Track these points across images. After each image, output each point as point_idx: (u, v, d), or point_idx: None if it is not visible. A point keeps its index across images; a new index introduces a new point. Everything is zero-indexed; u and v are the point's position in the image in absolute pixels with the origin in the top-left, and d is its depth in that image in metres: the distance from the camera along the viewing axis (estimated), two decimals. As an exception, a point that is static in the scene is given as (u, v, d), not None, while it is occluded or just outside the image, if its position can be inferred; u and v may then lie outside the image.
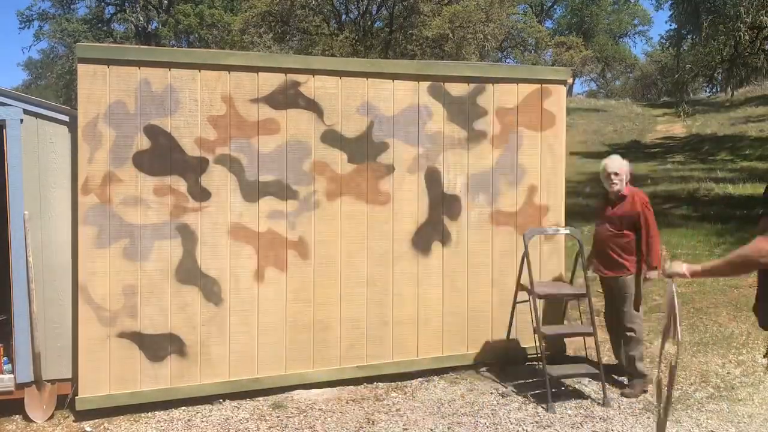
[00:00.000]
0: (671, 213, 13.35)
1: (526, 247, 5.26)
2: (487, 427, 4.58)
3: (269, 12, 24.02)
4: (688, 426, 4.56)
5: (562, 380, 5.27)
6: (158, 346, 4.78)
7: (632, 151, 23.42)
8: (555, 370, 5.16)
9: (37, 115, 4.64)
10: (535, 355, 5.43)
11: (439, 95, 5.45)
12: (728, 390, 5.17)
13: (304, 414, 4.78)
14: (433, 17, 23.69)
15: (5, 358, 4.87)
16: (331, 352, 5.21)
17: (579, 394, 5.15)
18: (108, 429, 4.56)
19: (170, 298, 4.81)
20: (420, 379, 5.40)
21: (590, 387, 5.28)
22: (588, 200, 15.42)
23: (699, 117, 27.55)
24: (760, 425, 4.58)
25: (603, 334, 5.65)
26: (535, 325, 5.16)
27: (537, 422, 4.64)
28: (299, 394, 5.07)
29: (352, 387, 5.21)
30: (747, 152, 20.12)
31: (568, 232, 5.58)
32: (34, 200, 4.65)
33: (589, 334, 5.32)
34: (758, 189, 14.80)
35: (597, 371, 5.08)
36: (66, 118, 4.70)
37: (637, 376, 5.10)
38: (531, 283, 5.19)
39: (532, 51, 30.63)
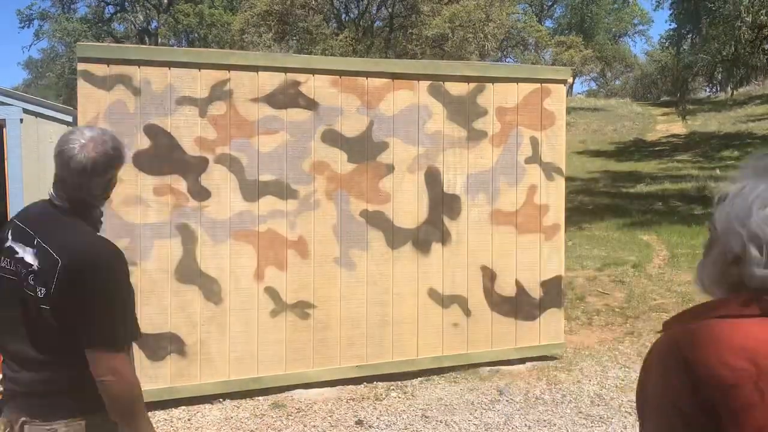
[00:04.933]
0: (678, 212, 13.35)
1: None
2: (488, 426, 4.58)
3: (269, 11, 24.02)
4: (688, 425, 4.56)
5: None
6: (158, 346, 4.78)
7: (636, 149, 23.44)
8: None
9: (36, 115, 4.64)
10: None
11: (439, 95, 5.45)
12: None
13: (304, 413, 4.78)
14: (433, 17, 23.71)
15: (5, 358, 4.86)
16: (330, 351, 5.21)
17: (579, 394, 5.15)
18: (108, 428, 4.56)
19: (170, 297, 4.81)
20: (420, 378, 5.40)
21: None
22: (589, 199, 15.43)
23: (699, 116, 27.56)
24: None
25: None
26: None
27: (544, 420, 4.64)
28: (299, 394, 5.07)
29: (352, 386, 5.21)
30: (750, 150, 20.13)
31: None
32: (33, 199, 4.64)
33: None
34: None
35: None
36: (65, 118, 4.71)
37: None
38: None
39: (532, 50, 30.62)
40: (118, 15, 37.79)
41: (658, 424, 1.10)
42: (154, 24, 37.80)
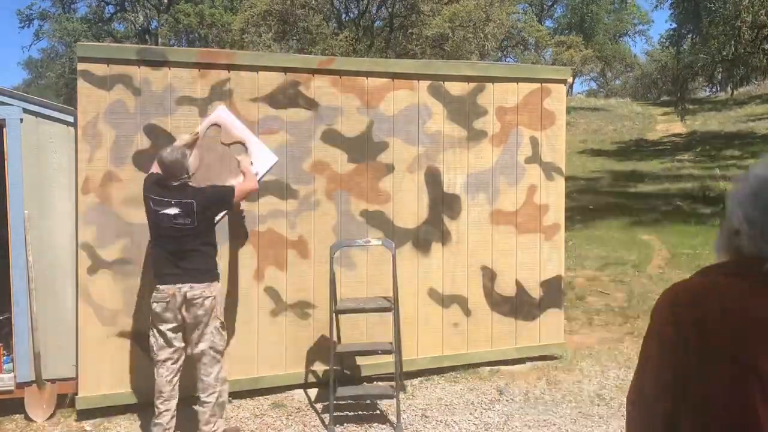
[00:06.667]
0: (679, 211, 13.35)
1: (331, 261, 4.74)
2: (488, 426, 4.58)
3: (269, 11, 24.03)
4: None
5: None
6: (158, 346, 4.77)
7: (637, 149, 23.43)
8: (345, 390, 4.81)
9: (36, 115, 4.64)
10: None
11: (439, 94, 5.45)
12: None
13: (304, 413, 4.78)
14: (433, 16, 23.72)
15: (6, 357, 4.87)
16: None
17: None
18: (108, 428, 4.56)
19: (170, 297, 4.79)
20: (420, 378, 5.40)
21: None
22: (589, 199, 15.42)
23: (700, 116, 27.55)
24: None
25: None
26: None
27: (544, 420, 4.64)
28: (299, 394, 5.08)
29: (352, 386, 5.20)
30: (754, 149, 20.11)
31: (380, 243, 4.94)
32: (34, 200, 4.65)
33: (388, 352, 4.93)
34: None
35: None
36: (66, 118, 4.70)
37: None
38: (333, 298, 4.76)
39: (532, 50, 30.63)
40: (118, 15, 37.80)
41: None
42: (154, 24, 37.82)
